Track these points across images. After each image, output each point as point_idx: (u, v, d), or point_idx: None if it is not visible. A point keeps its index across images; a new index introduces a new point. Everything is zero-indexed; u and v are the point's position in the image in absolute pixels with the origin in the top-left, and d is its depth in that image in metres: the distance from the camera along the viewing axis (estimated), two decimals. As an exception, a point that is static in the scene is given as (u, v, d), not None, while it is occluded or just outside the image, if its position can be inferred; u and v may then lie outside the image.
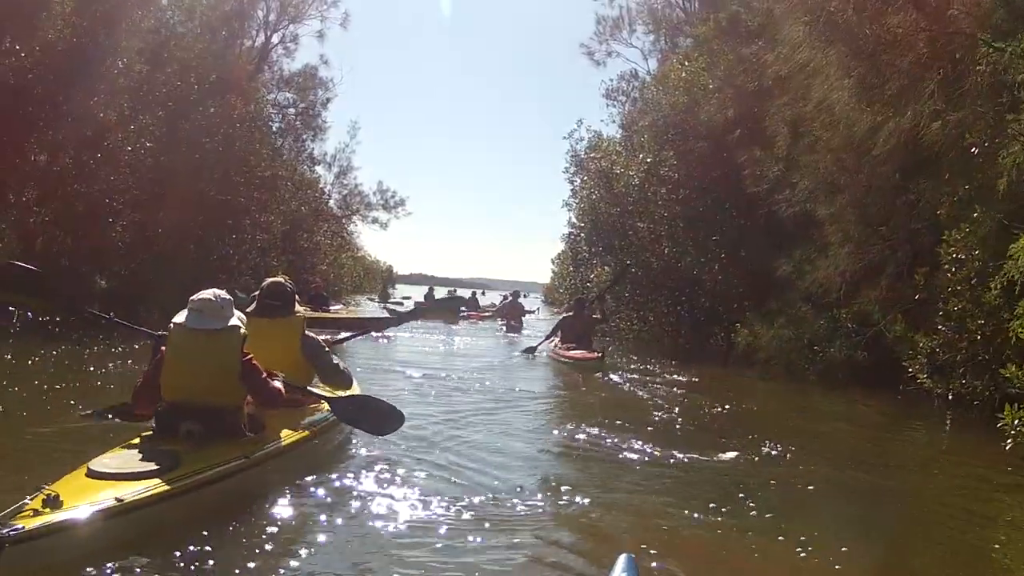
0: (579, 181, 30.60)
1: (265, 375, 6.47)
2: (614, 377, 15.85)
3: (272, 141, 34.31)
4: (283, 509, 5.93)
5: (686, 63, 23.81)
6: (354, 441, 8.12)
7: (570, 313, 20.85)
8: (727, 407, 12.55)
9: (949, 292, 12.20)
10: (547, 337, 20.31)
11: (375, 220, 45.08)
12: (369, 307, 40.60)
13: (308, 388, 7.31)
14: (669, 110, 22.85)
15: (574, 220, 32.33)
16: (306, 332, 7.68)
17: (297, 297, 7.99)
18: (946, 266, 12.12)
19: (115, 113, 20.26)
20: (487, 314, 40.35)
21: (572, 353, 17.76)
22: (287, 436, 6.72)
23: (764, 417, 12.62)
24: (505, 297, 44.51)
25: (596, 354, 17.05)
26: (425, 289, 45.39)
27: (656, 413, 11.73)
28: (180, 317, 6.21)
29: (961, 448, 11.12)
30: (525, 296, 38.41)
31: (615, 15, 40.14)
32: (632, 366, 18.19)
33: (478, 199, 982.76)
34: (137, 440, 5.98)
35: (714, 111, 19.92)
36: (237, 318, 6.33)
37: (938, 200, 12.98)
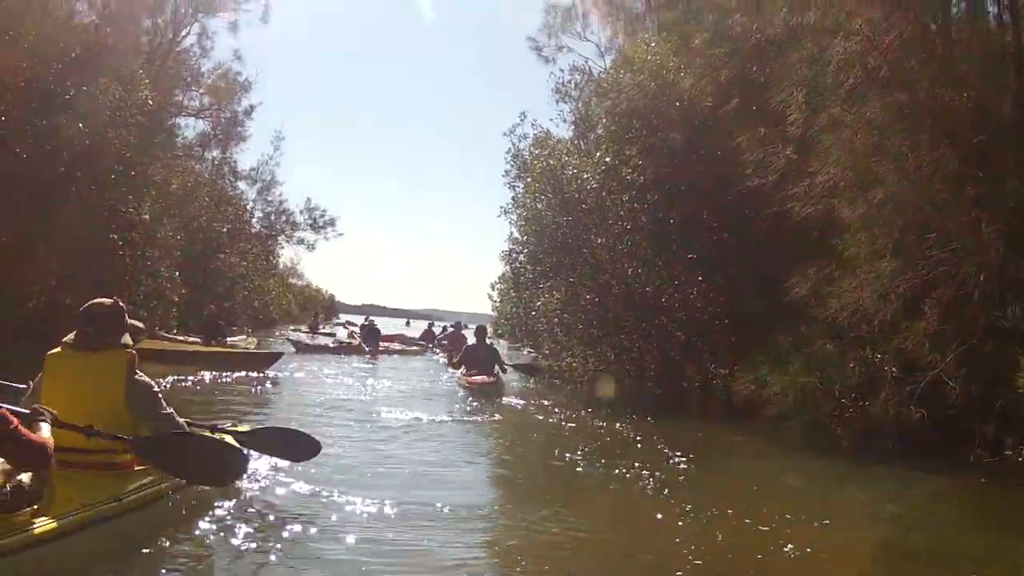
0: (522, 187, 25.86)
1: (15, 424, 4.72)
2: (559, 439, 12.24)
3: (173, 142, 29.75)
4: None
5: (652, 45, 19.40)
6: (187, 516, 6.33)
7: (473, 342, 21.79)
8: (738, 509, 7.99)
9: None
10: (453, 364, 23.10)
11: (301, 240, 41.70)
12: (294, 338, 36.41)
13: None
14: (635, 92, 18.18)
15: (515, 234, 27.32)
16: (136, 375, 6.14)
17: (132, 325, 6.41)
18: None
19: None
20: (413, 348, 36.44)
21: (474, 379, 19.07)
22: (73, 513, 5.16)
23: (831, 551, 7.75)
24: (444, 328, 41.00)
25: (492, 378, 19.14)
26: (361, 319, 41.44)
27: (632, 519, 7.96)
28: None
29: None
30: (466, 327, 34.30)
31: (567, 4, 35.58)
32: (587, 422, 14.14)
33: (432, 226, 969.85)
34: None
35: (700, 75, 15.41)
36: None
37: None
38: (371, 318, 37.82)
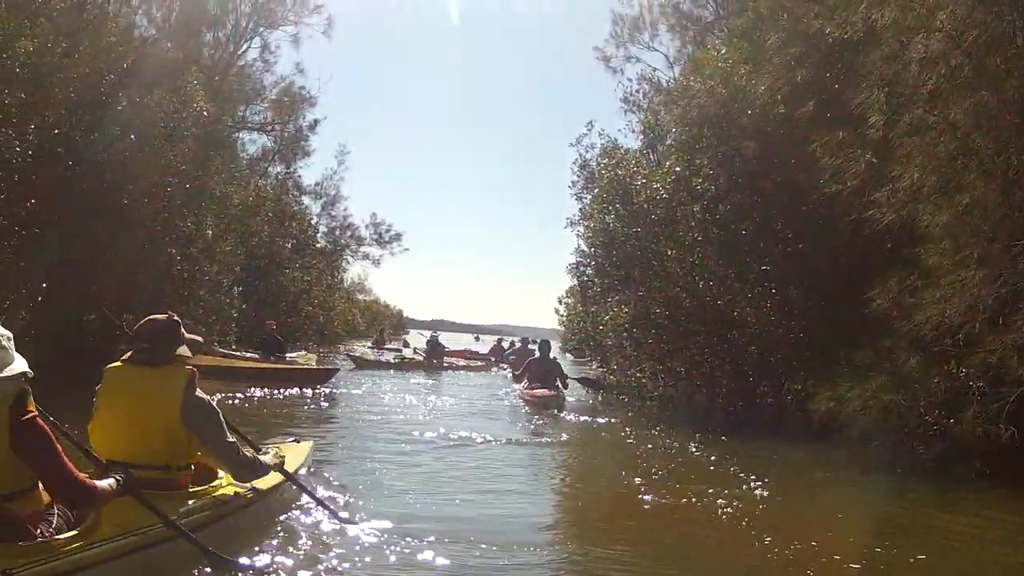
0: (589, 198, 25.13)
1: (62, 457, 4.41)
2: (625, 461, 11.56)
3: (234, 155, 29.69)
4: None
5: (723, 50, 18.83)
6: (239, 546, 5.78)
7: (537, 356, 22.18)
8: (823, 541, 7.36)
9: None
10: (515, 378, 23.63)
11: (366, 256, 41.61)
12: (355, 354, 36.11)
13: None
14: (705, 98, 17.54)
15: (583, 247, 26.61)
16: (196, 392, 5.74)
17: (191, 339, 6.07)
18: None
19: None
20: (478, 362, 36.08)
21: (536, 392, 19.43)
22: (118, 537, 4.80)
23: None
24: (512, 344, 40.48)
25: (553, 392, 19.32)
26: (427, 335, 40.95)
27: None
28: None
29: None
30: (533, 343, 33.81)
31: (634, 14, 35.13)
32: (656, 442, 13.56)
33: (501, 240, 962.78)
34: None
35: (774, 78, 14.79)
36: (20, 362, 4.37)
37: None
38: (436, 333, 37.42)
